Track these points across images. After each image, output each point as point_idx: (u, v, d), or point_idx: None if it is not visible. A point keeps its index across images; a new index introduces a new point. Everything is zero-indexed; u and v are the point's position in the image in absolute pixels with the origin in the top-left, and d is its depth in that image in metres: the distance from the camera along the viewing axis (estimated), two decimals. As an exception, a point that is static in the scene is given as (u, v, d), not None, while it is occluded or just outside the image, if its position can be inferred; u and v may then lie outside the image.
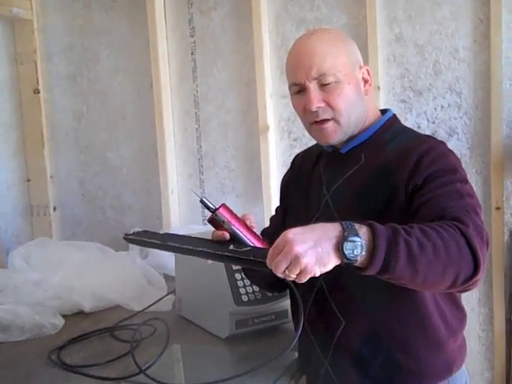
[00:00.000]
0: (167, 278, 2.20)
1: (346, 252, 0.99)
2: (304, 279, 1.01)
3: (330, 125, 1.32)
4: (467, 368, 1.39)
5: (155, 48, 2.52)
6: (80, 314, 1.97)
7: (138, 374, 1.41)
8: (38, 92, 2.76)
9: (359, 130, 1.36)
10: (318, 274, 1.00)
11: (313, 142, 1.48)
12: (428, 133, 2.20)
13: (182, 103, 2.61)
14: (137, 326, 1.64)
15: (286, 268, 1.00)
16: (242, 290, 1.64)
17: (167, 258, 2.22)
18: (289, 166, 1.45)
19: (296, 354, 1.51)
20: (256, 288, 1.65)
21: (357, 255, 1.00)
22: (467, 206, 1.16)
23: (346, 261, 1.00)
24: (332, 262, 1.00)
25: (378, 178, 1.28)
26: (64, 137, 2.84)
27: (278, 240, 1.02)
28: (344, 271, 1.04)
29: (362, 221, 1.05)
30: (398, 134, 1.36)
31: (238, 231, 1.19)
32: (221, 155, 2.58)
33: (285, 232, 1.01)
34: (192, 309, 1.84)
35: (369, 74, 1.37)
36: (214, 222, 1.21)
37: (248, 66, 2.46)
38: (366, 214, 1.24)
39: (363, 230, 1.02)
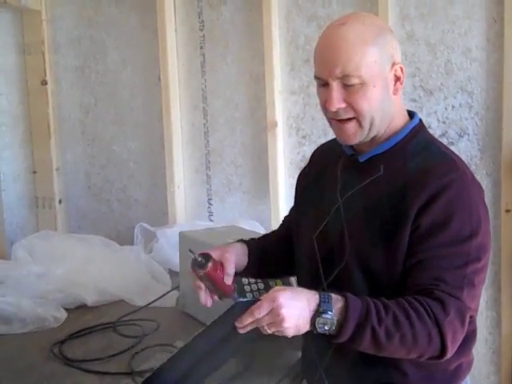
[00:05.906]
0: (172, 273, 2.18)
1: (318, 326, 1.12)
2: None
3: (351, 125, 1.26)
4: (473, 372, 1.37)
5: (164, 41, 2.50)
6: (83, 307, 1.97)
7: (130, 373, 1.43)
8: (46, 83, 2.75)
9: (382, 132, 1.29)
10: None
11: (322, 140, 1.45)
12: (438, 133, 2.17)
13: (189, 97, 2.59)
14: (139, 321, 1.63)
15: (267, 324, 1.12)
16: (247, 288, 1.62)
17: (172, 253, 2.21)
18: (297, 163, 1.43)
19: (299, 355, 1.49)
20: (261, 285, 1.63)
21: (327, 330, 1.12)
22: (464, 277, 1.17)
23: (316, 332, 1.13)
24: (306, 330, 1.14)
25: (391, 199, 1.23)
26: (71, 129, 2.83)
27: (267, 298, 1.12)
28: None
29: (342, 294, 1.14)
30: (423, 148, 1.28)
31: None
32: (228, 151, 2.56)
33: (276, 293, 1.11)
34: (196, 305, 1.82)
35: (402, 71, 1.26)
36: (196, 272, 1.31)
37: (257, 61, 2.43)
38: (374, 233, 1.23)
39: (338, 306, 1.12)
